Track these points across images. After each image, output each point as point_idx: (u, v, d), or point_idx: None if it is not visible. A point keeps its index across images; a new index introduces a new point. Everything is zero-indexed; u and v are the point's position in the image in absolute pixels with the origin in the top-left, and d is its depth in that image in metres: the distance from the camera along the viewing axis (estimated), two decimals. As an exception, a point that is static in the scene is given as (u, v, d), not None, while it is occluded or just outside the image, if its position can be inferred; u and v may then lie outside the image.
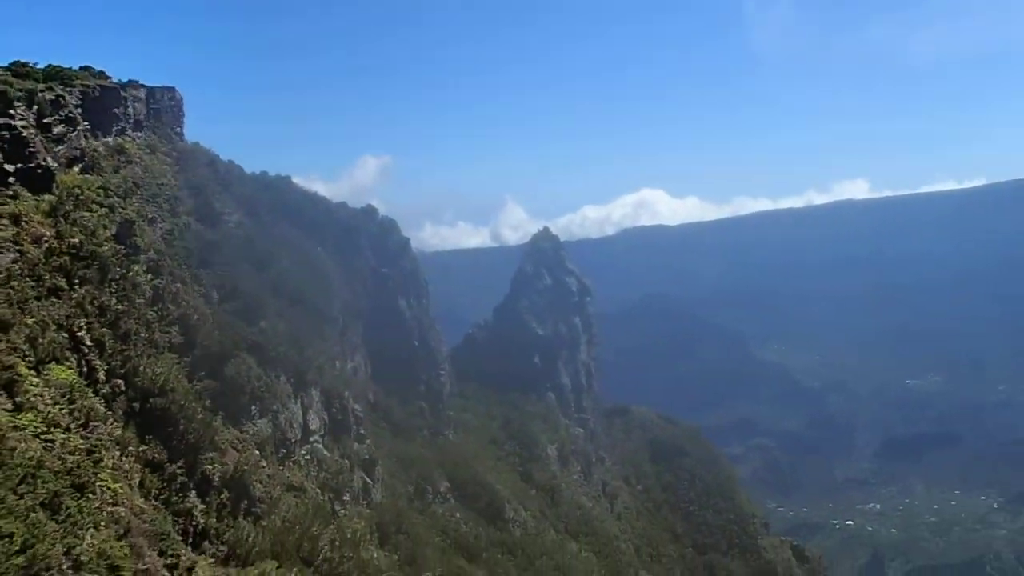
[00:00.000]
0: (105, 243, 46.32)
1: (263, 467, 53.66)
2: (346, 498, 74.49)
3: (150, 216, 65.20)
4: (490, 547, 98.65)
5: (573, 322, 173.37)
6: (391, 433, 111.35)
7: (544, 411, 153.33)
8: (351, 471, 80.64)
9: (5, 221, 36.77)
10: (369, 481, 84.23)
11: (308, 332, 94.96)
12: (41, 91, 49.04)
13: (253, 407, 62.43)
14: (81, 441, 28.87)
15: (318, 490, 67.56)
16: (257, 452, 55.95)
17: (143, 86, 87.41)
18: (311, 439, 75.28)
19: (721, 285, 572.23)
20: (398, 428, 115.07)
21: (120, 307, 43.06)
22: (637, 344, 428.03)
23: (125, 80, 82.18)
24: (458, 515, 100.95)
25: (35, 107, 47.46)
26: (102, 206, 51.44)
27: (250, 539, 40.22)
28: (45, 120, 48.43)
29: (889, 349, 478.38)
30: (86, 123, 57.93)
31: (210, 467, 42.01)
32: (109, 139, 67.99)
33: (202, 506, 39.26)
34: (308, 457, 72.24)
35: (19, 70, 50.16)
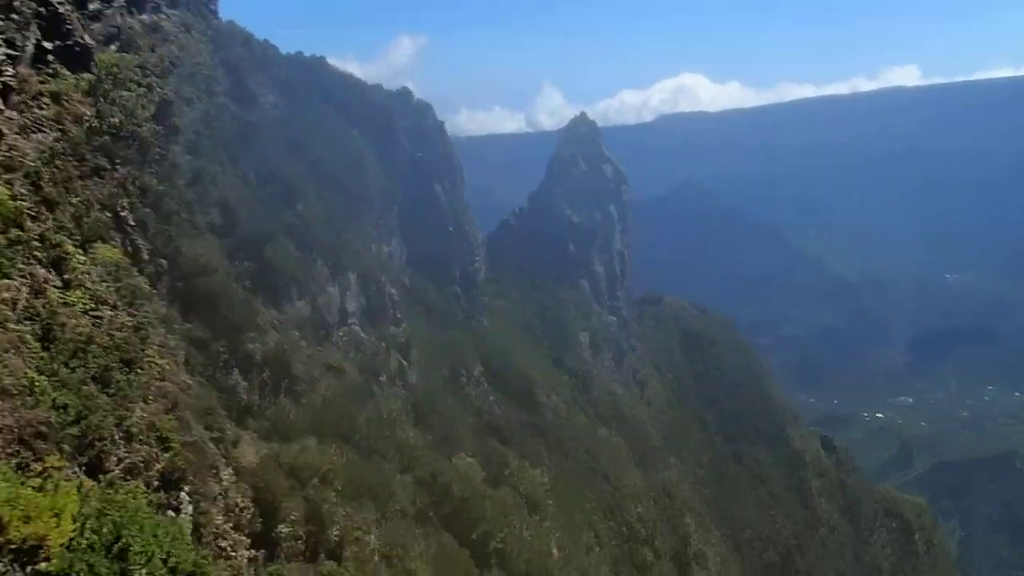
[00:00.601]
0: (144, 123, 46.27)
1: (303, 348, 55.17)
2: (383, 379, 76.67)
3: (187, 96, 64.92)
4: (522, 430, 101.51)
5: (608, 210, 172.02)
6: (426, 318, 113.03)
7: (577, 299, 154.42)
8: (387, 353, 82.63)
9: (47, 100, 36.72)
10: (405, 364, 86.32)
11: (345, 216, 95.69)
12: (75, -34, 48.08)
13: (292, 289, 63.73)
14: (128, 318, 29.64)
15: (356, 371, 69.49)
16: (296, 333, 57.41)
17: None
18: (349, 321, 76.92)
19: (759, 175, 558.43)
20: (433, 313, 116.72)
21: (161, 188, 43.41)
22: (671, 234, 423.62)
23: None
24: (491, 399, 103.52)
25: (70, -18, 46.63)
26: (140, 85, 51.00)
27: (291, 416, 41.87)
28: (80, -4, 47.61)
29: (931, 244, 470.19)
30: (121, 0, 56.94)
31: (251, 346, 43.26)
32: (145, 16, 66.96)
33: (245, 384, 40.69)
34: (346, 339, 74.04)
35: (52, -57, 49.12)
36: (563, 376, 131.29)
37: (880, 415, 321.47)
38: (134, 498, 21.54)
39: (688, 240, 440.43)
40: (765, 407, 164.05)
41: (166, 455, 24.97)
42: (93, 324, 26.87)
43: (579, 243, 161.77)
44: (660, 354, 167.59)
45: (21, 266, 25.68)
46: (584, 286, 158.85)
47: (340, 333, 73.55)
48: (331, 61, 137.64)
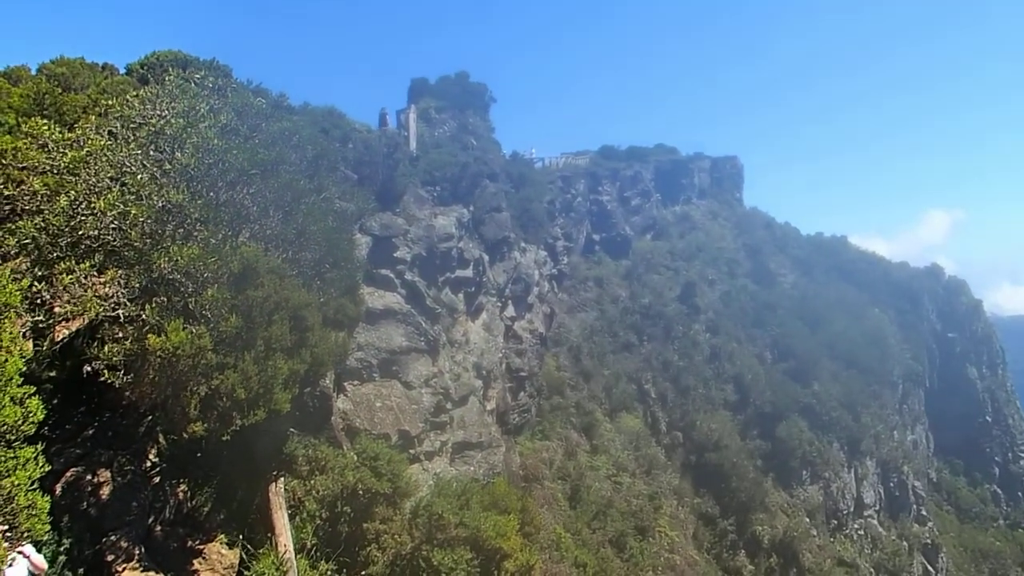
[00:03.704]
0: (670, 303, 50.32)
1: (813, 536, 52.17)
2: (903, 584, 68.42)
3: (710, 278, 68.98)
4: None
5: None
6: (958, 518, 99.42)
7: None
8: (910, 554, 73.88)
9: (591, 283, 42.24)
10: (931, 569, 76.16)
11: (863, 398, 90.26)
12: (623, 169, 55.68)
13: (804, 472, 61.28)
14: (644, 487, 31.39)
15: (871, 570, 63.24)
16: (807, 519, 54.65)
17: (707, 157, 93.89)
18: (865, 513, 71.07)
19: None
20: (965, 513, 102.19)
21: (681, 363, 46.21)
22: None
23: (692, 153, 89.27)
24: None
25: (617, 183, 53.99)
26: (668, 269, 56.13)
27: (798, 610, 39.28)
28: (625, 194, 54.74)
29: None
30: (658, 194, 63.97)
31: (759, 528, 42.19)
32: (676, 207, 74.02)
33: (751, 567, 39.56)
34: (861, 532, 68.21)
35: (609, 152, 57.66)
36: None
37: None
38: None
39: None
40: None
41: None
42: (613, 489, 28.99)
43: None
44: None
45: (559, 429, 29.19)
46: None
47: (855, 525, 68.05)
48: (852, 240, 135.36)
